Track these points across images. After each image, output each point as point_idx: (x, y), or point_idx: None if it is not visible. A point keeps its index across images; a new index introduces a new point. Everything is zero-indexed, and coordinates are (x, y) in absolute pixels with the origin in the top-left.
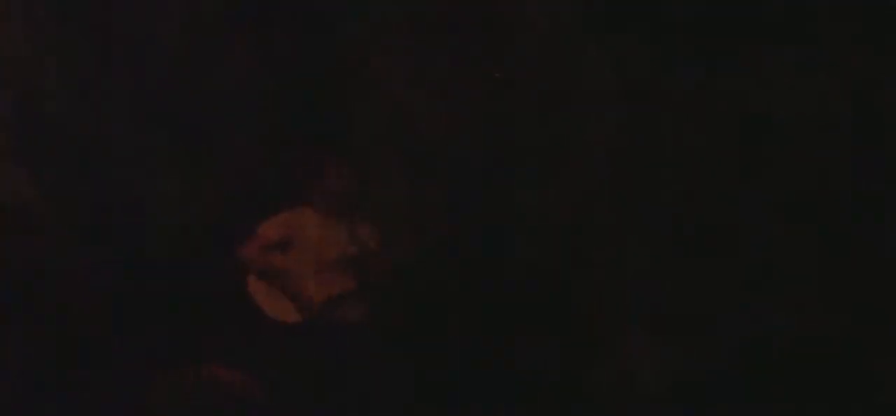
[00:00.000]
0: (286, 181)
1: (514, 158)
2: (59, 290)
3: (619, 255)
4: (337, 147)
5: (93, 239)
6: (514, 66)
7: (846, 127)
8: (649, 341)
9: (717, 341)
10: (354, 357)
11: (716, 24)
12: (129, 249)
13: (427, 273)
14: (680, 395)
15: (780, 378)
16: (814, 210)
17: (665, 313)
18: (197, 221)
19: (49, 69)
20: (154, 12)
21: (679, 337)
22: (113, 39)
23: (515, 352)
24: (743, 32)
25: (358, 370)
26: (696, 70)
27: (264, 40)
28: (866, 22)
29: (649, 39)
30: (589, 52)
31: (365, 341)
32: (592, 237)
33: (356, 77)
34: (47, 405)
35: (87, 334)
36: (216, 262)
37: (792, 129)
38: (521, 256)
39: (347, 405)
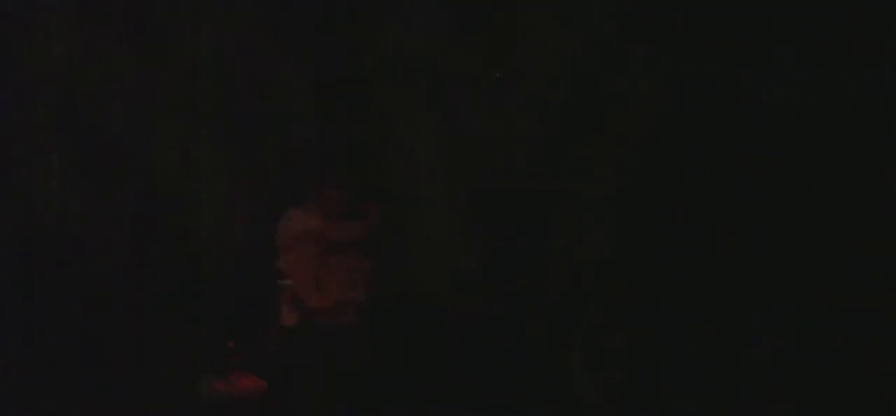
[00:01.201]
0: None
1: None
2: (103, 289)
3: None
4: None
5: (136, 241)
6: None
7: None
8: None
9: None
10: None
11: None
12: (173, 251)
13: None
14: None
15: (781, 382)
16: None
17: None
18: (237, 222)
19: (94, 74)
20: (198, 19)
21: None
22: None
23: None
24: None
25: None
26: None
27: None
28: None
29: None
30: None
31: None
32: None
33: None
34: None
35: (123, 334)
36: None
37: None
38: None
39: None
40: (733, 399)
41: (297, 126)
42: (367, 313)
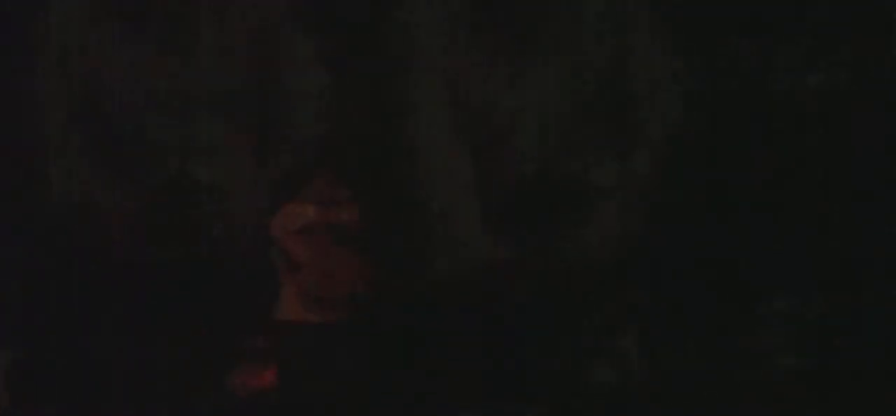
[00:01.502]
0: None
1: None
2: (123, 283)
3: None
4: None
5: (157, 234)
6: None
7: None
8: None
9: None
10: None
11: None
12: (197, 244)
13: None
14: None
15: (780, 378)
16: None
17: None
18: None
19: (116, 66)
20: (218, 12)
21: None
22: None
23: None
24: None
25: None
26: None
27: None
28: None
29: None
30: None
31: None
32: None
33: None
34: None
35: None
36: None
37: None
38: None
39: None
40: (748, 392)
41: (308, 115)
42: (367, 309)
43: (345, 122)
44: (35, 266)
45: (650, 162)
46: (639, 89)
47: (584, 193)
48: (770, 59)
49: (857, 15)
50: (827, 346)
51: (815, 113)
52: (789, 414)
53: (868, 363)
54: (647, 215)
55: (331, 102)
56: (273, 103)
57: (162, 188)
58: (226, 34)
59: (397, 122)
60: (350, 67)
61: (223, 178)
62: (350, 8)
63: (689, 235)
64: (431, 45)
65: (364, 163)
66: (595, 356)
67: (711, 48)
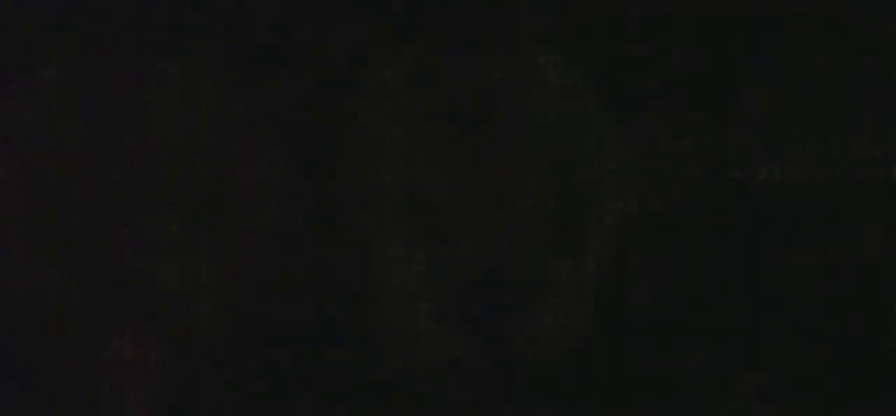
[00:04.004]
0: None
1: None
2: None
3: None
4: None
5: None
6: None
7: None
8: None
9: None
10: None
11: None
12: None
13: None
14: None
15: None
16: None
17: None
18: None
19: (67, 164)
20: (178, 106)
21: None
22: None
23: None
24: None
25: None
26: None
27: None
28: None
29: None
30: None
31: None
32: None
33: None
34: None
35: None
36: None
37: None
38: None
39: None
40: None
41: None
42: None
43: (303, 218)
44: None
45: (603, 256)
46: (592, 184)
47: (538, 288)
48: (724, 151)
49: (812, 110)
50: None
51: (768, 205)
52: None
53: None
54: (600, 309)
55: (290, 199)
56: (230, 201)
57: (118, 286)
58: (184, 133)
59: (353, 218)
60: (307, 165)
61: (181, 277)
62: (308, 106)
63: (644, 325)
64: (388, 144)
65: (320, 259)
66: None
67: (665, 141)
